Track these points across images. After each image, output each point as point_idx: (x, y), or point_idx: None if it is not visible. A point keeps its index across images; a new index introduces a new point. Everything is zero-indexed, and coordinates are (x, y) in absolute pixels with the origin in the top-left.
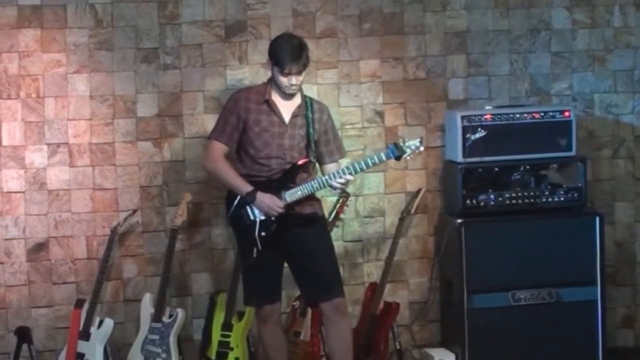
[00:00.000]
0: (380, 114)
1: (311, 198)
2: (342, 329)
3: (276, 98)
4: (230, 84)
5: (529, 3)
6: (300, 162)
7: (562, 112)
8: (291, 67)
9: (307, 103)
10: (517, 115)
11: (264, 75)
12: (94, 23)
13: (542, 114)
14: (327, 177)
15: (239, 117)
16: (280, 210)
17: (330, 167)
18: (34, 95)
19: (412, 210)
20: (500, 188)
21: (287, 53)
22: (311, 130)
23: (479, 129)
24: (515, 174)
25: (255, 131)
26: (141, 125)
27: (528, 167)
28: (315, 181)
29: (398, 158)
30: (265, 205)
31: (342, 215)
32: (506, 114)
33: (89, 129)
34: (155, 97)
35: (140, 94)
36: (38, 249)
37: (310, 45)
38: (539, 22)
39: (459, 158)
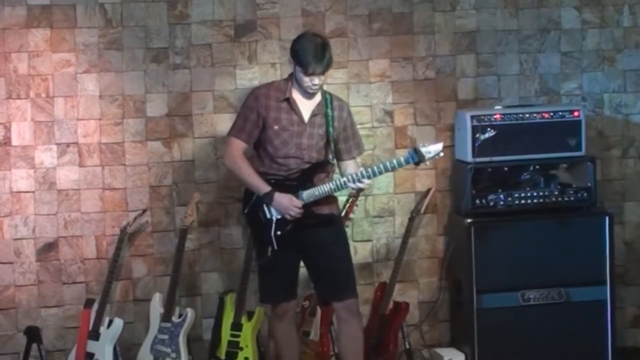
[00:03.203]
0: (389, 114)
1: (328, 198)
2: (353, 329)
3: (297, 96)
4: (240, 84)
5: (538, 3)
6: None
7: (571, 112)
8: (315, 67)
9: (327, 100)
10: (527, 115)
11: (273, 75)
12: (104, 23)
13: (552, 113)
14: (345, 179)
15: (259, 115)
16: (299, 211)
17: (348, 164)
18: (43, 95)
19: (422, 210)
20: (510, 188)
21: (311, 53)
22: (330, 129)
23: (489, 129)
24: (525, 174)
25: (274, 129)
26: (151, 125)
27: (537, 167)
28: (333, 182)
29: (418, 163)
30: (283, 207)
31: (351, 215)
32: (516, 113)
33: (98, 128)
34: (165, 97)
35: (149, 93)
36: (47, 249)
37: None
38: (549, 21)
39: (469, 158)
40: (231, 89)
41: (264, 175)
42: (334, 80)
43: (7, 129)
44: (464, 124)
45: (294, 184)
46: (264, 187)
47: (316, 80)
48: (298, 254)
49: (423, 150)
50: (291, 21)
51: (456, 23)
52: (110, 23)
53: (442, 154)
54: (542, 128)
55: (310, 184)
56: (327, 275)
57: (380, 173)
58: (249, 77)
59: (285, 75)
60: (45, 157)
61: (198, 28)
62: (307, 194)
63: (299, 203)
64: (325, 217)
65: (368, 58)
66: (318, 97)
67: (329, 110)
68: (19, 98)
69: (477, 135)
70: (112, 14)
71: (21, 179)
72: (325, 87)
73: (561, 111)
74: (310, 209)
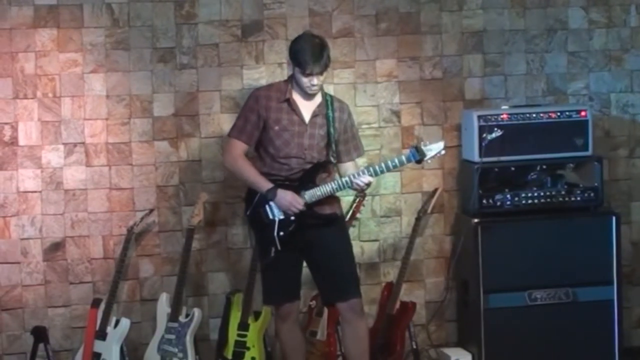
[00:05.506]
0: (396, 114)
1: (330, 198)
2: (358, 329)
3: (297, 97)
4: (247, 84)
5: (545, 3)
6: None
7: (578, 111)
8: (313, 68)
9: (328, 101)
10: (534, 115)
11: (280, 75)
12: (111, 23)
13: (559, 113)
14: (347, 178)
15: (259, 116)
16: (301, 208)
17: (348, 166)
18: (50, 95)
19: (429, 210)
20: (517, 188)
21: (309, 54)
22: (332, 130)
23: (496, 129)
24: (532, 174)
25: (275, 130)
26: (157, 125)
27: (544, 166)
28: (335, 182)
29: (419, 162)
30: (287, 202)
31: (358, 215)
32: (523, 113)
33: (105, 128)
34: (172, 97)
35: (156, 93)
36: (54, 249)
37: None
38: (556, 21)
39: (476, 158)
40: (238, 88)
41: (265, 176)
42: (341, 80)
43: (14, 128)
44: (470, 124)
45: (295, 184)
46: (266, 184)
47: (315, 81)
48: (301, 254)
49: (424, 148)
50: (298, 21)
51: (463, 23)
52: (117, 23)
53: (444, 152)
54: (549, 128)
55: (312, 184)
56: (330, 275)
57: (382, 172)
58: (256, 77)
59: None
60: (52, 157)
61: (205, 28)
62: (309, 194)
63: (302, 200)
64: (327, 217)
65: (375, 58)
66: (318, 98)
67: (330, 112)
68: (25, 98)
69: (484, 135)
70: (119, 14)
71: (28, 178)
72: (332, 87)
73: (568, 111)
74: (312, 209)
